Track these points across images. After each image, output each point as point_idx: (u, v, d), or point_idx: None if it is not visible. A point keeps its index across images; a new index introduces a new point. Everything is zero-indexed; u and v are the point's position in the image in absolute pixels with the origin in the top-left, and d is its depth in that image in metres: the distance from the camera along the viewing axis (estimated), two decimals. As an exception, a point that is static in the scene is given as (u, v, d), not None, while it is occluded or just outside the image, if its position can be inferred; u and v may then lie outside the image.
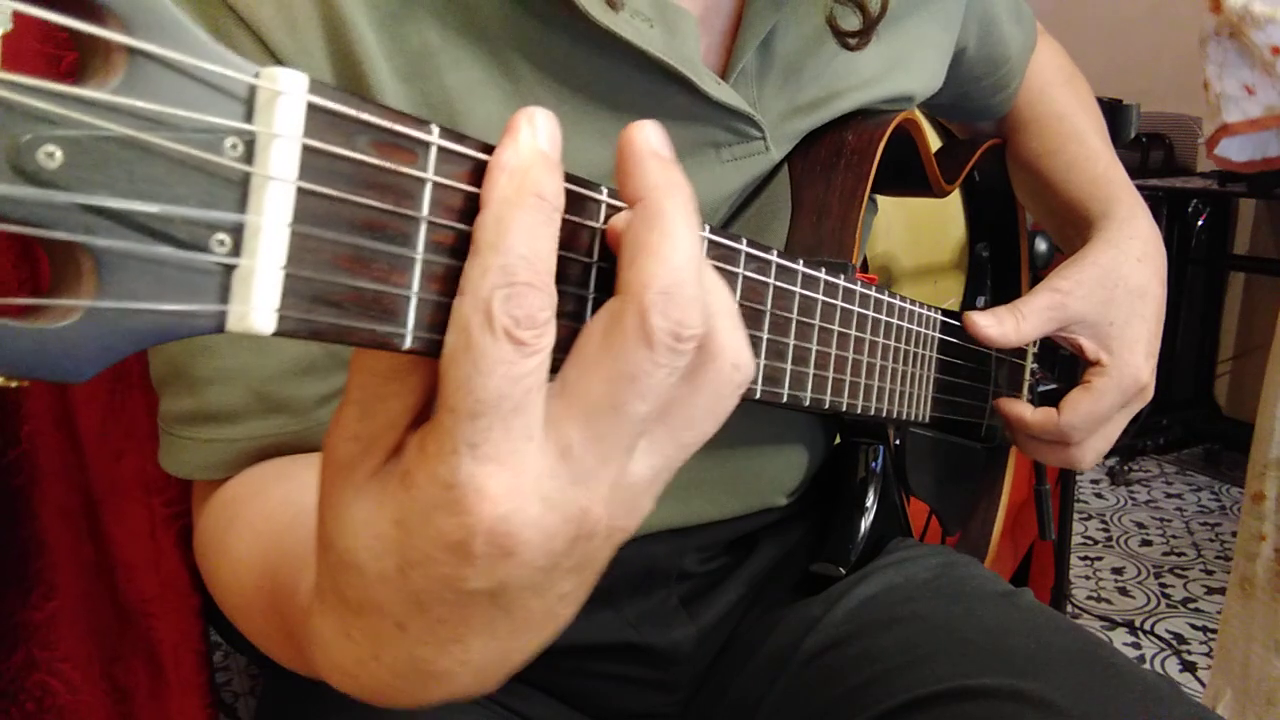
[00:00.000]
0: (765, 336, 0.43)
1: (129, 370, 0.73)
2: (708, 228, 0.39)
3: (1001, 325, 0.63)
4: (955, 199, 0.84)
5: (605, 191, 0.32)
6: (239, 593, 0.44)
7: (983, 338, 0.63)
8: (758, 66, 0.57)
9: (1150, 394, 0.67)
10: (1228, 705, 1.20)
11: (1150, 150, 2.68)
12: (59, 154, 0.21)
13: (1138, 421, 1.16)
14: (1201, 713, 0.53)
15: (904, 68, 0.63)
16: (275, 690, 0.67)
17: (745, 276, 0.41)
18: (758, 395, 0.43)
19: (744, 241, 0.40)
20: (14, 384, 0.21)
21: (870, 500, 0.63)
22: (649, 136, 0.30)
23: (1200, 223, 2.72)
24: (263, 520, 0.43)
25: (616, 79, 0.51)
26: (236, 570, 0.44)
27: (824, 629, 0.63)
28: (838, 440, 0.68)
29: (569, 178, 0.30)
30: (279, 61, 0.45)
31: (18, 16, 0.21)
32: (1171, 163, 2.74)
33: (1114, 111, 1.39)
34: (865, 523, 0.63)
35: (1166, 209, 2.67)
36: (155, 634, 0.74)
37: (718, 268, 0.39)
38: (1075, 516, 1.30)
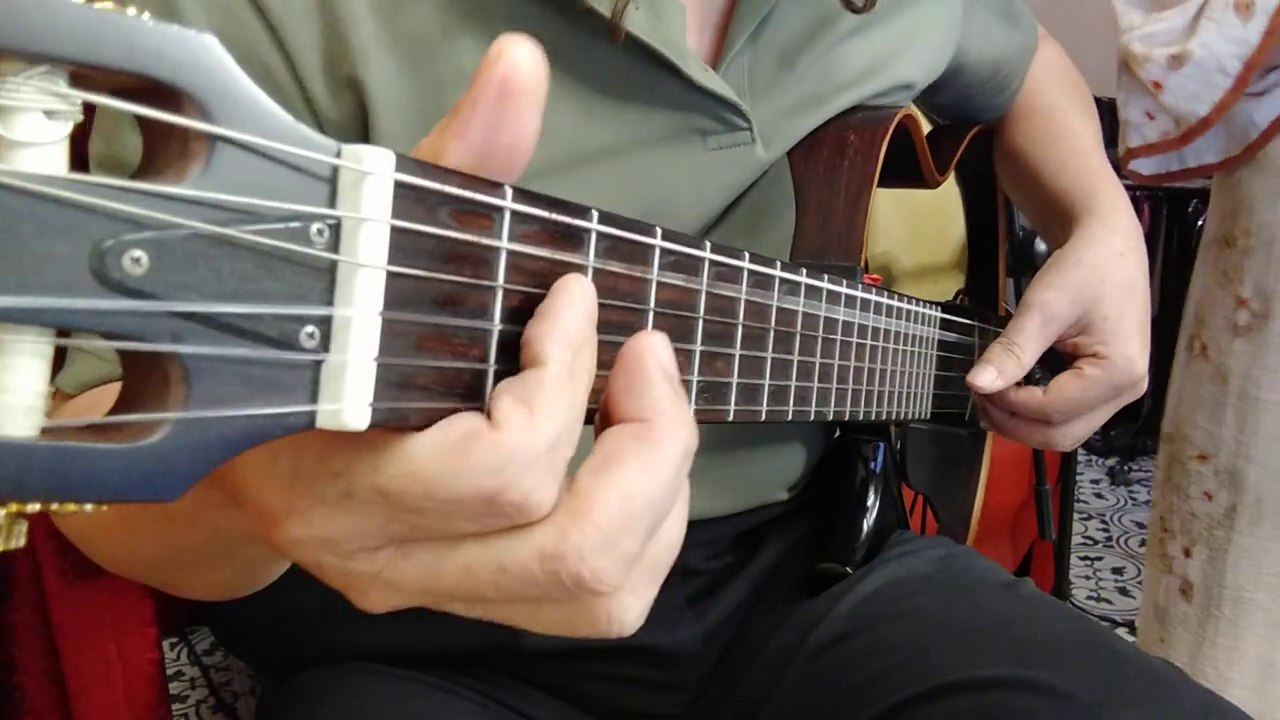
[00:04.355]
0: (769, 356, 0.41)
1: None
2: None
3: (1004, 372, 0.63)
4: (955, 197, 0.84)
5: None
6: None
7: (992, 391, 0.64)
8: (750, 58, 0.57)
9: (1144, 386, 0.67)
10: None
11: (1150, 149, 2.70)
12: (145, 258, 0.19)
13: (1138, 420, 1.19)
14: (1209, 698, 0.54)
15: (904, 56, 0.63)
16: (275, 690, 0.66)
17: (747, 299, 0.39)
18: (762, 418, 0.42)
19: (746, 257, 0.38)
20: (104, 507, 0.19)
21: (872, 499, 0.64)
22: (660, 353, 0.27)
23: (1200, 223, 2.71)
24: None
25: (607, 61, 0.52)
26: None
27: (828, 624, 0.63)
28: (837, 434, 0.69)
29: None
30: (267, 22, 0.47)
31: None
32: (1171, 162, 2.75)
33: (1114, 111, 1.40)
34: (868, 522, 0.64)
35: (1167, 209, 2.64)
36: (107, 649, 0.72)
37: (717, 292, 0.37)
38: (1075, 516, 1.31)
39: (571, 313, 0.26)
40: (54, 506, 0.19)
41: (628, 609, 0.27)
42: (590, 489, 0.25)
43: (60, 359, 0.50)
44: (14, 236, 0.17)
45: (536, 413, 0.24)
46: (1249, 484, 1.09)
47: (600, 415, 0.28)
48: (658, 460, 0.26)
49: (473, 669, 0.63)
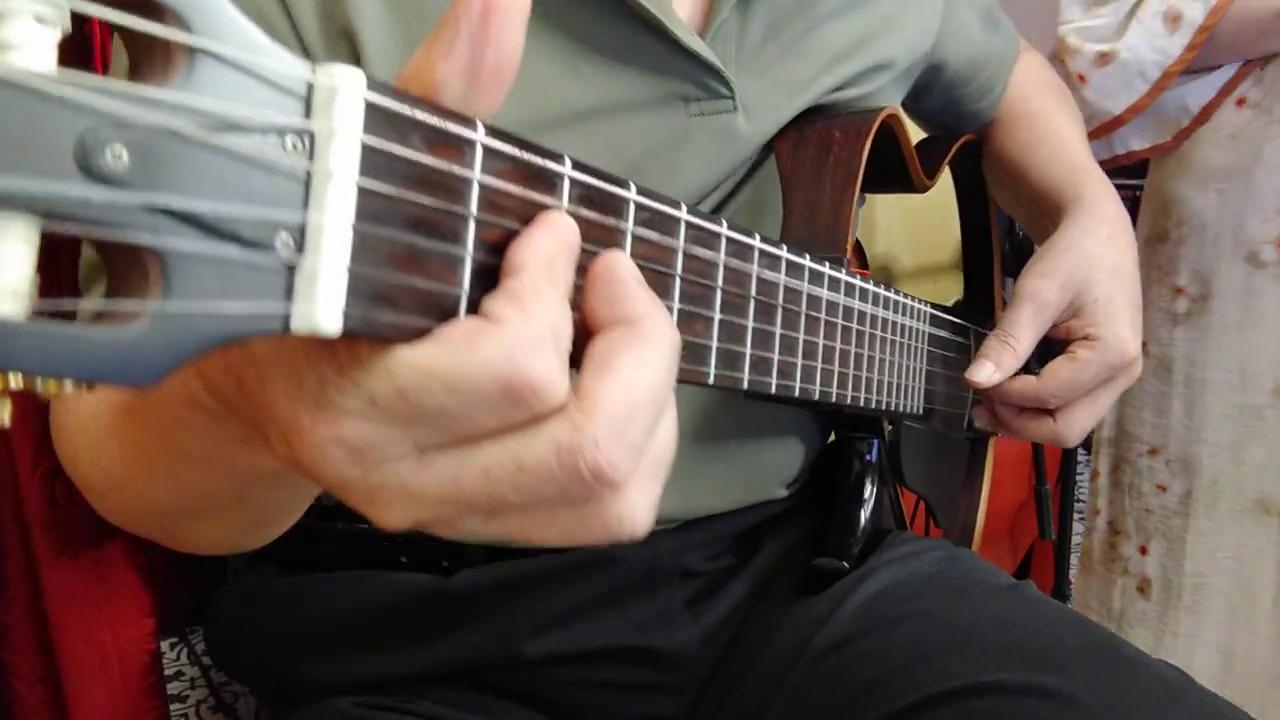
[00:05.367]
0: (750, 325, 0.41)
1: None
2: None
3: (1001, 365, 0.64)
4: (955, 198, 0.85)
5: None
6: (93, 448, 0.44)
7: (991, 385, 0.64)
8: (737, 27, 0.58)
9: (1139, 369, 0.68)
10: None
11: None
12: (125, 154, 0.20)
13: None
14: (1214, 701, 0.53)
15: (883, 37, 0.64)
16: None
17: (725, 265, 0.40)
18: (745, 386, 0.42)
19: (724, 224, 0.39)
20: (87, 388, 0.21)
21: (868, 493, 0.64)
22: (628, 264, 0.29)
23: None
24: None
25: (593, 20, 0.53)
26: (86, 429, 0.44)
27: (832, 627, 0.63)
28: (832, 438, 0.69)
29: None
30: None
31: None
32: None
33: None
34: (864, 515, 0.64)
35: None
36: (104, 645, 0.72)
37: (694, 254, 0.37)
38: (1075, 516, 1.31)
39: (548, 234, 0.27)
40: (38, 385, 0.20)
41: (637, 506, 0.28)
42: (595, 387, 0.27)
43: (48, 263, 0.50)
44: (1, 125, 0.19)
45: (528, 305, 0.26)
46: (1202, 466, 1.10)
47: (580, 330, 0.29)
48: (651, 354, 0.27)
49: (473, 688, 0.62)
